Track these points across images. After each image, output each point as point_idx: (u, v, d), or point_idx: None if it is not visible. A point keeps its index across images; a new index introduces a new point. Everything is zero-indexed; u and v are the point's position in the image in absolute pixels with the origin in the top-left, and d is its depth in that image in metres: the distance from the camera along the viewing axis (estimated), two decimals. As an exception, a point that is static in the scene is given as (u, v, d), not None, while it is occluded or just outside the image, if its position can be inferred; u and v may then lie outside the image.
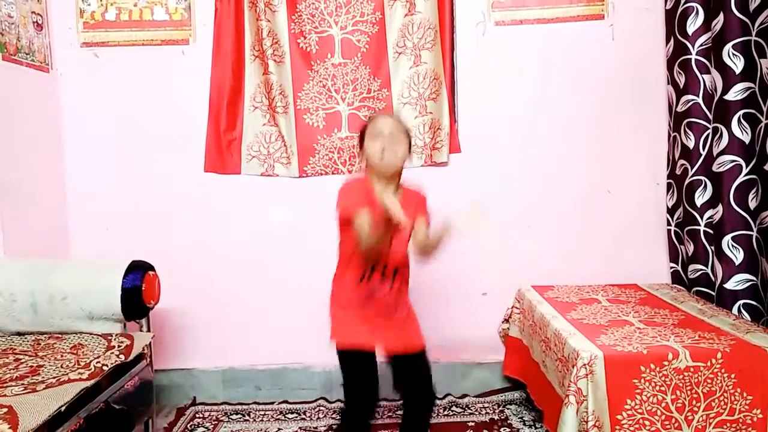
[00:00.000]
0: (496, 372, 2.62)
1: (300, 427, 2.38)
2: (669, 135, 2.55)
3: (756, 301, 2.12)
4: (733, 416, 1.70)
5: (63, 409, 1.49)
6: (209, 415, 2.52)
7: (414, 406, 1.91)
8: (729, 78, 2.11)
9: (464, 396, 2.60)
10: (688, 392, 1.70)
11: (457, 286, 2.59)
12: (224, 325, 2.66)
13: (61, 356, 1.78)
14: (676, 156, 2.46)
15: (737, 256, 2.13)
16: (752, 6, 2.05)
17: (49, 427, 1.46)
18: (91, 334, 1.96)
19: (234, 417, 2.50)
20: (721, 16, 2.13)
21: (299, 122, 2.62)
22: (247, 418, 2.49)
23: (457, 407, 2.51)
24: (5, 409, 1.39)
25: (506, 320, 2.57)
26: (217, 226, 2.65)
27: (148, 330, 2.12)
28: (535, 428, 2.30)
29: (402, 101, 2.60)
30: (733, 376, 1.69)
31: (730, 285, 2.14)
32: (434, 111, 2.58)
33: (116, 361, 1.80)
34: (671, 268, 2.57)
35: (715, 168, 2.19)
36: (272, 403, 2.61)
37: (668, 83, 2.50)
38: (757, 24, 2.04)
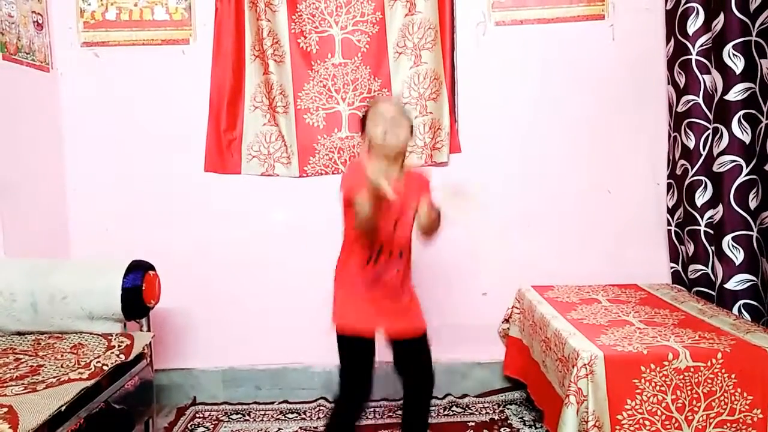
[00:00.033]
0: (496, 372, 2.62)
1: (300, 427, 2.38)
2: (669, 135, 2.55)
3: (756, 301, 2.12)
4: (734, 416, 1.70)
5: (63, 408, 1.49)
6: (209, 415, 2.52)
7: (415, 389, 1.93)
8: (729, 78, 2.11)
9: (464, 396, 2.60)
10: (689, 392, 1.70)
11: (457, 286, 2.59)
12: (224, 325, 2.66)
13: (62, 356, 1.78)
14: (677, 156, 2.46)
15: (737, 256, 2.13)
16: (752, 6, 2.05)
17: (50, 427, 1.46)
18: (91, 333, 1.96)
19: (234, 417, 2.50)
20: (721, 17, 2.13)
21: (299, 122, 2.62)
22: (247, 418, 2.49)
23: (457, 407, 2.51)
24: (5, 409, 1.39)
25: (506, 320, 2.57)
26: (217, 226, 2.65)
27: (149, 330, 2.12)
28: (536, 428, 2.30)
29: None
30: (733, 376, 1.70)
31: (730, 285, 2.14)
32: (434, 111, 2.58)
33: (116, 360, 1.80)
34: (671, 268, 2.57)
35: (715, 168, 2.19)
36: (272, 403, 2.61)
37: (668, 83, 2.50)
38: (757, 24, 2.04)
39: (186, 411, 2.55)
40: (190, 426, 2.42)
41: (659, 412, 1.70)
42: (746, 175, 2.10)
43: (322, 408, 2.54)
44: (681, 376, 1.70)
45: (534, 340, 2.22)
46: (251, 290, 2.65)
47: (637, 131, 2.58)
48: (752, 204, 2.11)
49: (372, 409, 2.49)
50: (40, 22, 2.50)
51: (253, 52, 2.61)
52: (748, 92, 2.08)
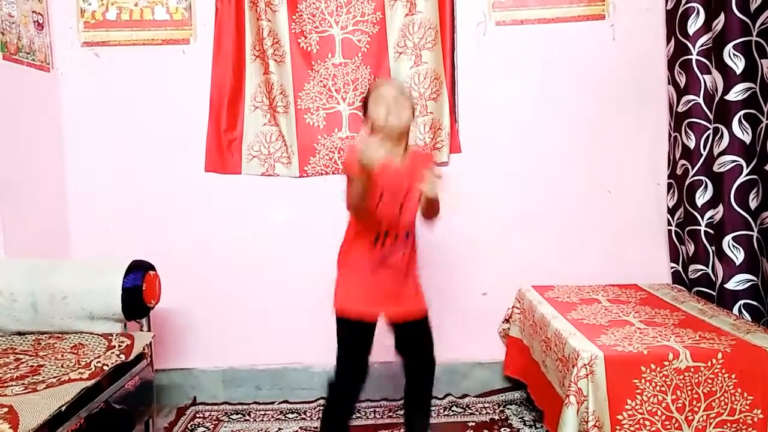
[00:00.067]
0: (496, 372, 2.62)
1: (300, 427, 2.38)
2: (670, 135, 2.54)
3: (756, 301, 2.12)
4: (734, 416, 1.70)
5: (63, 408, 1.49)
6: (209, 415, 2.52)
7: (417, 371, 1.95)
8: (730, 78, 2.11)
9: (465, 396, 2.60)
10: (689, 392, 1.70)
11: (457, 286, 2.59)
12: (224, 325, 2.66)
13: (62, 356, 1.78)
14: (677, 156, 2.46)
15: (738, 256, 2.13)
16: (753, 6, 2.05)
17: (50, 427, 1.46)
18: (91, 333, 1.96)
19: (234, 417, 2.50)
20: (721, 17, 2.13)
21: (300, 122, 2.61)
22: (247, 418, 2.49)
23: (457, 407, 2.51)
24: (6, 409, 1.39)
25: (506, 320, 2.57)
26: (218, 226, 2.65)
27: (149, 330, 2.12)
28: (536, 428, 2.30)
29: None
30: (733, 376, 1.70)
31: (730, 285, 2.14)
32: (435, 111, 2.58)
33: (117, 360, 1.80)
34: (672, 268, 2.56)
35: (715, 168, 2.19)
36: (272, 403, 2.61)
37: (669, 83, 2.50)
38: (757, 24, 2.04)
39: (186, 411, 2.55)
40: (190, 426, 2.42)
41: (659, 412, 1.70)
42: (746, 175, 2.10)
43: (322, 408, 2.54)
44: (681, 376, 1.70)
45: (534, 340, 2.22)
46: (251, 290, 2.65)
47: (638, 131, 2.58)
48: (752, 204, 2.11)
49: (372, 409, 2.50)
50: (41, 21, 2.50)
51: (253, 52, 2.61)
52: (749, 92, 2.08)
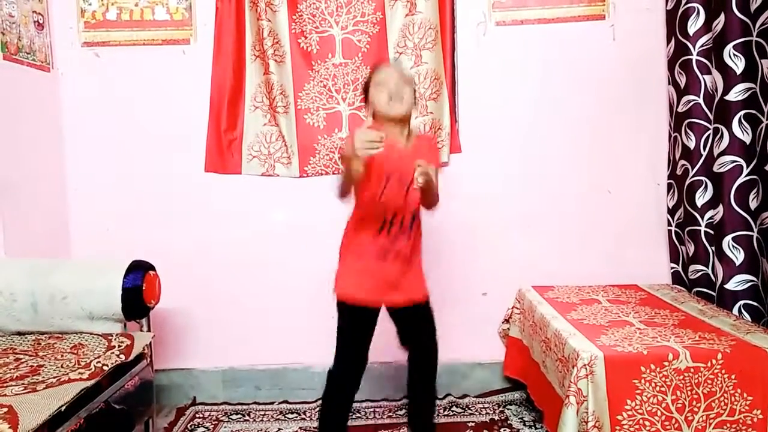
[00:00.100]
0: (496, 372, 2.62)
1: (300, 427, 2.38)
2: (670, 135, 2.54)
3: (756, 301, 2.12)
4: (734, 417, 1.70)
5: (63, 408, 1.49)
6: (209, 415, 2.52)
7: (420, 356, 1.96)
8: (730, 78, 2.11)
9: (464, 396, 2.60)
10: (689, 393, 1.70)
11: (457, 286, 2.59)
12: (224, 325, 2.66)
13: (62, 356, 1.78)
14: (677, 156, 2.46)
15: (738, 256, 2.13)
16: (753, 6, 2.04)
17: (49, 427, 1.46)
18: (91, 333, 1.96)
19: (234, 417, 2.50)
20: (722, 17, 2.13)
21: (300, 122, 2.62)
22: (247, 418, 2.49)
23: (457, 407, 2.50)
24: (5, 409, 1.39)
25: (506, 320, 2.57)
26: (218, 226, 2.65)
27: (149, 330, 2.12)
28: (535, 428, 2.30)
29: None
30: (733, 376, 1.69)
31: (730, 285, 2.14)
32: (435, 111, 2.58)
33: (116, 361, 1.80)
34: (672, 268, 2.56)
35: (715, 168, 2.18)
36: (272, 403, 2.61)
37: (669, 83, 2.50)
38: (758, 24, 2.04)
39: (186, 411, 2.55)
40: (190, 426, 2.42)
41: (659, 413, 1.70)
42: (746, 176, 2.10)
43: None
44: (681, 377, 1.70)
45: (534, 340, 2.22)
46: (251, 290, 2.65)
47: (638, 131, 2.58)
48: (752, 204, 2.11)
49: (372, 409, 2.50)
50: (41, 21, 2.50)
51: (253, 52, 2.61)
52: (749, 92, 2.08)
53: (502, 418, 2.40)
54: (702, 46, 2.30)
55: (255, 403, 2.62)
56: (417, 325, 1.95)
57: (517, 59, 2.58)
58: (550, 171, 2.60)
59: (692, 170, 2.35)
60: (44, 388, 1.53)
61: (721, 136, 2.14)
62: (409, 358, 1.98)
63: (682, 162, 2.42)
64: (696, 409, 1.71)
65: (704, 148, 2.32)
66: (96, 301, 1.95)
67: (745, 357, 1.71)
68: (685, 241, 2.43)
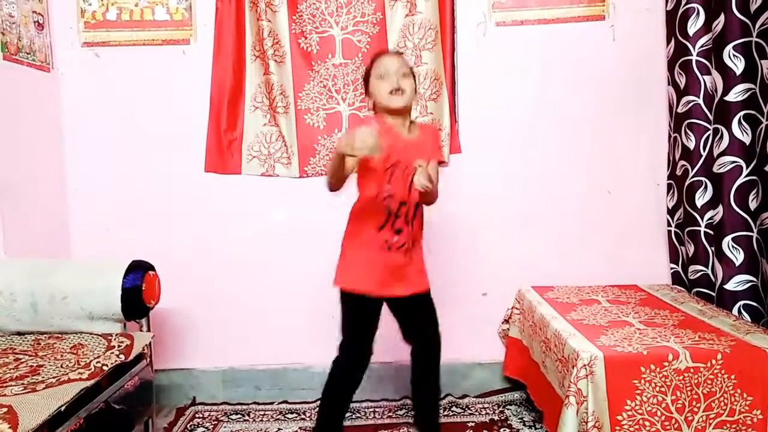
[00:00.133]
0: (496, 372, 2.62)
1: (300, 427, 2.38)
2: (669, 136, 2.54)
3: (756, 302, 2.12)
4: (733, 417, 1.70)
5: (63, 408, 1.49)
6: (209, 415, 2.52)
7: (424, 351, 1.97)
8: (729, 79, 2.11)
9: (464, 396, 2.59)
10: (688, 393, 1.70)
11: (457, 286, 2.58)
12: (224, 325, 2.66)
13: (61, 356, 1.78)
14: (677, 157, 2.46)
15: (737, 257, 2.13)
16: (753, 7, 2.04)
17: (49, 427, 1.45)
18: (91, 333, 1.96)
19: (234, 417, 2.50)
20: (721, 17, 2.13)
21: (300, 122, 2.62)
22: (246, 418, 2.49)
23: (457, 407, 2.50)
24: (5, 409, 1.39)
25: (506, 321, 2.57)
26: (218, 226, 2.65)
27: (148, 330, 2.11)
28: (535, 429, 2.30)
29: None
30: (733, 376, 1.69)
31: (730, 286, 2.14)
32: (435, 111, 2.58)
33: (116, 361, 1.80)
34: (671, 268, 2.56)
35: (715, 169, 2.19)
36: (272, 403, 2.61)
37: (669, 84, 2.50)
38: (757, 25, 2.04)
39: (186, 411, 2.55)
40: (190, 426, 2.42)
41: (659, 413, 1.70)
42: (746, 176, 2.10)
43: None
44: (681, 377, 1.70)
45: (534, 340, 2.22)
46: (251, 290, 2.65)
47: (638, 132, 2.58)
48: (752, 205, 2.11)
49: (372, 409, 2.50)
50: (41, 22, 2.50)
51: (253, 53, 2.61)
52: (749, 93, 2.08)
53: (502, 418, 2.40)
54: (702, 46, 2.30)
55: (255, 403, 2.62)
56: (420, 317, 1.96)
57: (517, 59, 2.58)
58: (550, 171, 2.60)
59: (692, 171, 2.35)
60: (44, 388, 1.53)
61: (721, 137, 2.14)
62: (412, 352, 1.98)
63: (682, 162, 2.42)
64: (696, 410, 1.71)
65: (704, 149, 2.32)
66: (96, 301, 1.95)
67: (745, 357, 1.71)
68: (685, 241, 2.43)
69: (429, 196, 1.88)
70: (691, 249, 2.38)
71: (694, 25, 2.31)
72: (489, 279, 2.62)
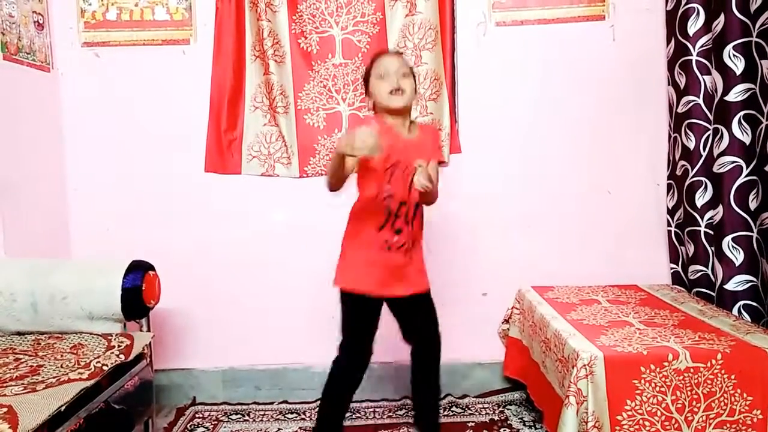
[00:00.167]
0: (496, 372, 2.62)
1: (300, 427, 2.38)
2: (669, 136, 2.54)
3: (756, 302, 2.12)
4: (733, 417, 1.70)
5: (63, 408, 1.49)
6: (209, 415, 2.52)
7: (424, 351, 1.97)
8: (729, 79, 2.11)
9: (464, 396, 2.60)
10: (688, 393, 1.70)
11: (457, 286, 2.59)
12: (224, 325, 2.66)
13: (61, 356, 1.78)
14: (677, 157, 2.46)
15: (737, 257, 2.13)
16: (753, 7, 2.05)
17: (49, 427, 1.45)
18: (91, 333, 1.96)
19: (234, 417, 2.50)
20: (721, 17, 2.13)
21: (300, 122, 2.62)
22: (246, 418, 2.49)
23: (457, 407, 2.50)
24: (5, 409, 1.39)
25: (506, 321, 2.57)
26: (218, 226, 2.65)
27: (148, 330, 2.11)
28: (535, 429, 2.30)
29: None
30: (733, 376, 1.69)
31: (730, 286, 2.14)
32: (435, 111, 2.58)
33: (116, 361, 1.80)
34: (671, 268, 2.56)
35: (715, 169, 2.19)
36: (272, 403, 2.61)
37: (669, 84, 2.50)
38: (757, 25, 2.04)
39: (186, 411, 2.55)
40: (190, 426, 2.42)
41: (659, 413, 1.70)
42: (746, 176, 2.10)
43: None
44: (681, 377, 1.70)
45: (534, 340, 2.22)
46: (251, 290, 2.65)
47: (638, 132, 2.58)
48: (752, 205, 2.11)
49: (372, 409, 2.50)
50: (41, 22, 2.50)
51: (253, 53, 2.61)
52: (749, 93, 2.08)
53: (502, 418, 2.40)
54: (702, 46, 2.30)
55: (255, 403, 2.62)
56: (420, 316, 1.96)
57: (517, 59, 2.58)
58: (550, 171, 2.60)
59: (692, 171, 2.35)
60: (44, 388, 1.53)
61: (721, 137, 2.14)
62: (412, 352, 1.98)
63: (682, 162, 2.42)
64: (696, 410, 1.71)
65: (704, 149, 2.32)
66: (96, 301, 1.95)
67: (745, 357, 1.71)
68: (685, 241, 2.43)
69: (429, 196, 1.88)
70: (691, 249, 2.38)
71: (694, 25, 2.31)
72: (489, 279, 2.62)
